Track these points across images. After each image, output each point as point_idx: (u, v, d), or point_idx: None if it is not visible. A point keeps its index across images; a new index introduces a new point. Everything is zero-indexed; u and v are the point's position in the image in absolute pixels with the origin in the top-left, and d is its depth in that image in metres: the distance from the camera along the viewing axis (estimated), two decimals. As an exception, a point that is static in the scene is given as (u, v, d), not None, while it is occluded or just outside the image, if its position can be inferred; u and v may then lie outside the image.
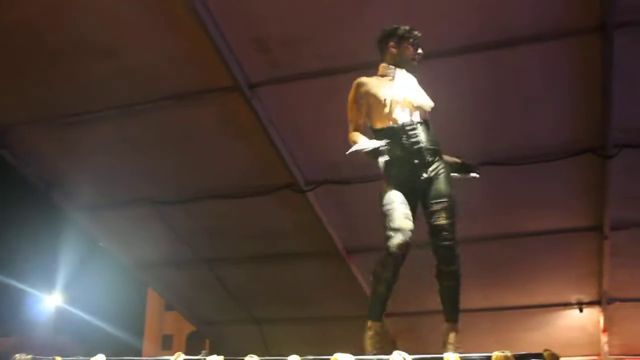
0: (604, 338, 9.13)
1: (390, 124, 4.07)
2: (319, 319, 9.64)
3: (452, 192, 4.01)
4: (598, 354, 9.43)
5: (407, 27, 4.34)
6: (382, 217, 3.95)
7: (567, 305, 8.97)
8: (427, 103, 4.17)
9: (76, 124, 7.17)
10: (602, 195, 7.04)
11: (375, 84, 4.23)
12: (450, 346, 3.88)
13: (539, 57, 5.93)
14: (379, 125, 4.13)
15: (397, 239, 3.82)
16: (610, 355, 9.28)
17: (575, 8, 5.52)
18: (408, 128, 4.02)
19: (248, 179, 7.59)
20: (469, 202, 7.20)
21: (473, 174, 4.36)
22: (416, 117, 4.09)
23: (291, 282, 9.02)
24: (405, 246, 3.83)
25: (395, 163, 4.01)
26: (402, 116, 4.07)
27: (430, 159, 4.01)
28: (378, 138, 4.02)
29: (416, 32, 4.33)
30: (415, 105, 4.11)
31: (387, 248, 3.85)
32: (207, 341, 11.66)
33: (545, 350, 3.27)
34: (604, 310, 8.77)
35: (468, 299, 8.56)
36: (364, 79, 4.27)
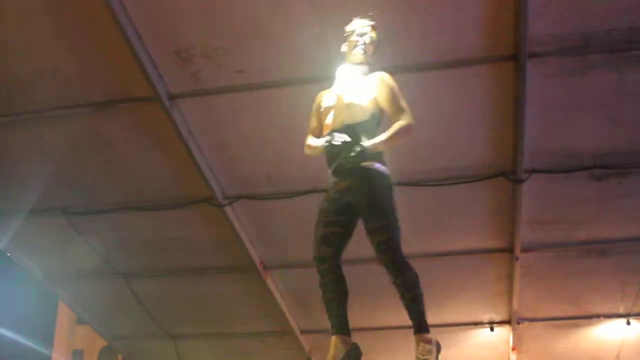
0: (513, 356, 9.37)
1: (324, 134, 3.81)
2: (234, 335, 9.54)
3: (386, 201, 3.77)
4: (507, 372, 9.69)
5: (354, 19, 4.05)
6: None
7: (478, 324, 9.17)
8: (359, 101, 3.80)
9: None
10: (513, 218, 7.24)
11: (326, 94, 4.01)
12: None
13: (454, 82, 6.09)
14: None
15: (314, 249, 3.82)
16: (519, 373, 9.54)
17: (491, 37, 5.69)
18: (328, 139, 3.72)
19: (165, 191, 7.46)
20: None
21: None
22: (348, 120, 3.75)
23: (207, 297, 8.90)
24: (316, 256, 3.79)
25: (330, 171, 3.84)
26: (331, 124, 3.78)
27: (351, 169, 3.70)
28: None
29: (357, 22, 4.01)
30: (345, 106, 3.78)
31: None
32: (120, 357, 11.36)
33: (449, 367, 3.32)
34: (514, 330, 9.00)
35: (382, 316, 8.71)
36: (324, 92, 4.06)
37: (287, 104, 6.26)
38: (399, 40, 5.81)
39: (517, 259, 7.70)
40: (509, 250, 7.70)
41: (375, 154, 3.76)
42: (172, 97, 6.37)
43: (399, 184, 6.84)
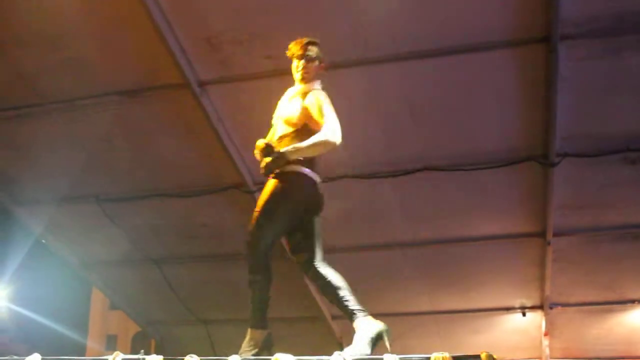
0: (545, 341, 9.32)
1: None
2: (265, 320, 9.59)
3: (268, 202, 4.20)
4: (540, 357, 9.62)
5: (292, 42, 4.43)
6: None
7: (510, 309, 9.12)
8: (291, 115, 4.24)
9: (16, 118, 7.01)
10: (545, 202, 7.16)
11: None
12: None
13: (485, 65, 6.01)
14: None
15: None
16: (551, 358, 9.47)
17: (522, 19, 5.62)
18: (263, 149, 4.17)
19: (196, 178, 7.51)
20: (412, 207, 7.32)
21: None
22: (281, 132, 4.26)
23: (238, 283, 8.86)
24: None
25: None
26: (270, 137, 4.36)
27: (268, 172, 4.18)
28: None
29: (294, 45, 4.39)
30: (282, 120, 4.29)
31: None
32: (153, 342, 11.49)
33: (483, 352, 3.31)
34: (546, 315, 8.95)
35: (414, 302, 8.70)
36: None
37: (316, 89, 6.24)
38: (427, 23, 5.77)
39: (549, 243, 7.63)
40: (541, 234, 7.63)
41: (302, 160, 4.15)
42: (201, 84, 6.40)
43: (429, 169, 6.86)
